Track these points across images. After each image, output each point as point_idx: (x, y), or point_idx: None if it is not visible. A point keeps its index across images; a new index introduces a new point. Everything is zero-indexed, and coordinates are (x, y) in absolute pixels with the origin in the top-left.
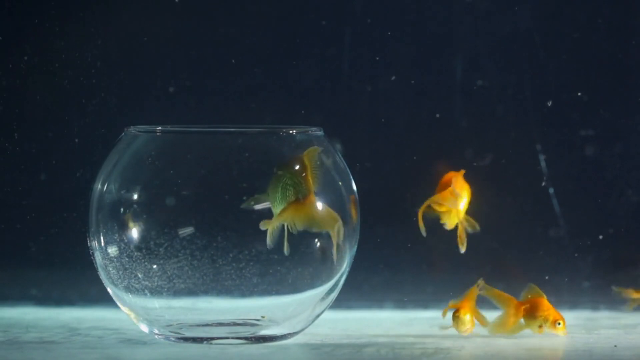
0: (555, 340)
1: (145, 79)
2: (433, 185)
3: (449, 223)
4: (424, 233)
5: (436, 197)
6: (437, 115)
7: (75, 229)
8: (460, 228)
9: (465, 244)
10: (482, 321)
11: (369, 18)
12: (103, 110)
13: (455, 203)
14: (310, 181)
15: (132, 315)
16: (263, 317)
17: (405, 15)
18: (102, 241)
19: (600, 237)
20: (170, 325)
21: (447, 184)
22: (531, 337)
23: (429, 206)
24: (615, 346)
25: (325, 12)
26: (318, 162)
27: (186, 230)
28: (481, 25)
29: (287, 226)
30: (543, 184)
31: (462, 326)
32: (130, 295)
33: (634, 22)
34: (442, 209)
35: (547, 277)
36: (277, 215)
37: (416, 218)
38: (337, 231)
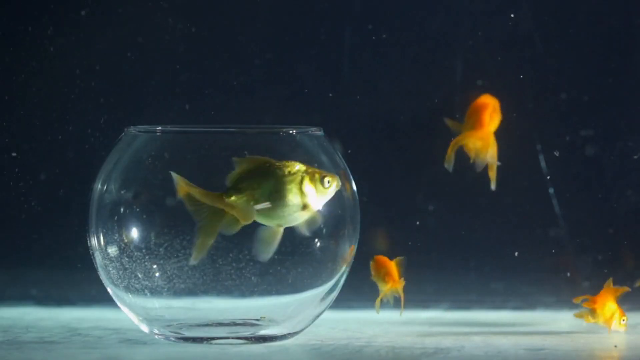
0: (556, 340)
1: (145, 79)
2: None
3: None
4: (450, 167)
5: (472, 140)
6: (438, 112)
7: (75, 229)
8: (491, 163)
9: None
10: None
11: (368, 18)
12: (103, 110)
13: (486, 150)
14: None
15: (132, 316)
16: (262, 317)
17: (405, 15)
18: (102, 241)
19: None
20: (170, 325)
21: (478, 111)
22: (531, 337)
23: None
24: (616, 346)
25: (326, 11)
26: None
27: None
28: (481, 25)
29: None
30: (551, 190)
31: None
32: (130, 295)
33: (634, 22)
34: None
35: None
36: None
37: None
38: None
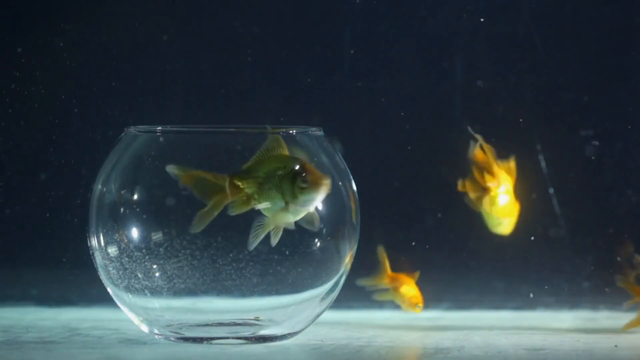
0: (556, 340)
1: (145, 79)
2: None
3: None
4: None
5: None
6: (438, 111)
7: (75, 229)
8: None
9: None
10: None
11: (369, 18)
12: (103, 110)
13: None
14: None
15: (132, 316)
16: (257, 318)
17: (406, 15)
18: (102, 241)
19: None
20: (170, 325)
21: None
22: (531, 337)
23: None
24: (616, 346)
25: (326, 11)
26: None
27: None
28: (481, 25)
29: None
30: (551, 190)
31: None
32: (130, 295)
33: (634, 22)
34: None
35: (547, 281)
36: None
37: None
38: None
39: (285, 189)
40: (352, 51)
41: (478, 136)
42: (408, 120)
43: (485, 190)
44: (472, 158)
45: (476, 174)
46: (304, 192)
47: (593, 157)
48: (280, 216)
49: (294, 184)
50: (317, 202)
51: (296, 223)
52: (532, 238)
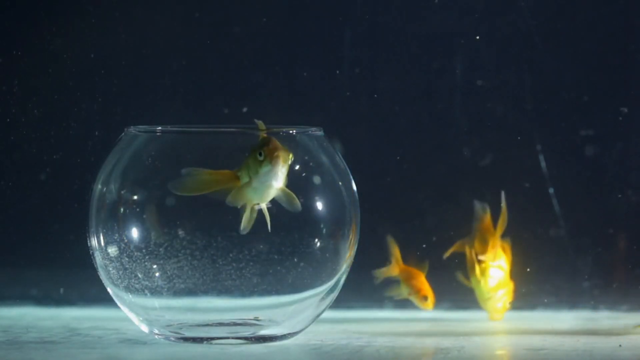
0: (556, 340)
1: (145, 79)
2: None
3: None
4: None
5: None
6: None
7: (75, 229)
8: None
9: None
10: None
11: (369, 17)
12: (103, 110)
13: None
14: None
15: (132, 316)
16: (257, 318)
17: (406, 15)
18: (102, 241)
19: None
20: (170, 325)
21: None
22: (531, 337)
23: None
24: (620, 345)
25: (326, 11)
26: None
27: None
28: (481, 25)
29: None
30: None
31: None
32: (130, 295)
33: (634, 22)
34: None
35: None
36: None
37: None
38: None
39: (250, 165)
40: (352, 50)
41: (504, 205)
42: (408, 120)
43: (479, 261)
44: (478, 221)
45: (477, 243)
46: (262, 165)
47: (593, 157)
48: (242, 193)
49: (255, 158)
50: (276, 176)
51: (277, 205)
52: (528, 269)
